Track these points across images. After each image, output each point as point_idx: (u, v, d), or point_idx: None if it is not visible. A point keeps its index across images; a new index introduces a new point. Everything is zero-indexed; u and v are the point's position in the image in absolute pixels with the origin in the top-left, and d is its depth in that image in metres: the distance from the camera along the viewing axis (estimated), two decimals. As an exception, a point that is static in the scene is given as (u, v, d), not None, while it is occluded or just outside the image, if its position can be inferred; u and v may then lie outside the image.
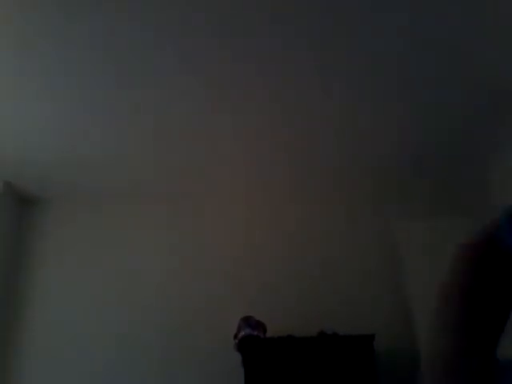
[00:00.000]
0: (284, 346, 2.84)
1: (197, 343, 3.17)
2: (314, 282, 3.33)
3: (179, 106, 2.80)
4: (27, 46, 2.32)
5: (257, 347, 2.81)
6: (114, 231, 3.57)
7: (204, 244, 3.49)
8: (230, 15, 2.21)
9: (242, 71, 2.57)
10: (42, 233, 3.55)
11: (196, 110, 2.84)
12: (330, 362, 2.76)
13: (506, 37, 2.37)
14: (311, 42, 2.39)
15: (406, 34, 2.35)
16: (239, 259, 3.41)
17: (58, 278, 3.40)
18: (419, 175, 3.60)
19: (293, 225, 3.55)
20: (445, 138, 3.19)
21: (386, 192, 3.60)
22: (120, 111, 2.82)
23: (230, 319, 3.00)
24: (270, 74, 2.59)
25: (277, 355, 2.80)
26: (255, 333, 2.81)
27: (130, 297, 3.32)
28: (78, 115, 2.83)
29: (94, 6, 2.13)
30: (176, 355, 3.15)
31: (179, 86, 2.64)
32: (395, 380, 2.90)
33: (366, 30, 2.32)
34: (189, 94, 2.70)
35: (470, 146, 3.20)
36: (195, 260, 3.44)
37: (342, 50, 2.44)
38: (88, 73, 2.51)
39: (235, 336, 2.87)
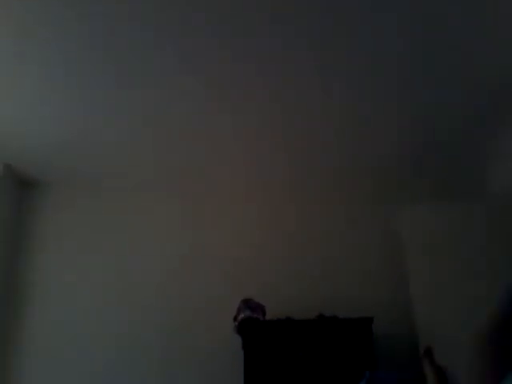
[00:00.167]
0: (283, 329, 2.87)
1: (197, 343, 3.17)
2: (314, 282, 3.33)
3: (179, 105, 2.80)
4: (27, 35, 2.30)
5: (256, 329, 2.85)
6: (115, 233, 3.56)
7: (204, 244, 3.49)
8: (230, 15, 2.21)
9: (241, 71, 2.57)
10: (42, 216, 3.53)
11: (196, 110, 2.84)
12: (329, 345, 2.80)
13: (506, 37, 2.37)
14: (311, 42, 2.39)
15: (405, 34, 2.35)
16: (239, 259, 3.41)
17: (58, 277, 3.39)
18: (419, 175, 3.60)
19: (293, 225, 3.55)
20: (445, 137, 3.19)
21: (386, 192, 3.60)
22: (120, 111, 2.82)
23: (229, 319, 3.00)
24: (270, 73, 2.59)
25: (276, 337, 2.84)
26: (255, 315, 2.83)
27: (130, 297, 3.32)
28: (78, 115, 2.83)
29: (94, 6, 2.13)
30: (176, 355, 3.15)
31: (179, 86, 2.64)
32: (394, 363, 2.91)
33: (365, 29, 2.32)
34: (189, 94, 2.70)
35: (470, 145, 3.20)
36: (195, 260, 3.44)
37: (341, 50, 2.44)
38: (88, 73, 2.51)
39: (235, 318, 2.89)
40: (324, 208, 3.59)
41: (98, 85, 2.60)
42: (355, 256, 3.41)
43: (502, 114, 2.83)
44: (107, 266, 3.43)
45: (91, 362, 3.13)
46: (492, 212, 2.71)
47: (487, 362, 0.92)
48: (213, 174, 3.54)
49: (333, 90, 2.73)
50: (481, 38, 2.38)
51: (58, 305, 3.31)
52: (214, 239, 3.51)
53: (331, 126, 3.06)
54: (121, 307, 3.29)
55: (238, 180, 3.61)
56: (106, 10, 2.15)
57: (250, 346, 2.81)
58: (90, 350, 3.16)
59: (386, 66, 2.56)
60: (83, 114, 2.82)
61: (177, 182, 3.59)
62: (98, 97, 2.69)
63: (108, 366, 3.13)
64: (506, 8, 2.19)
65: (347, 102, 2.83)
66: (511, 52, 2.46)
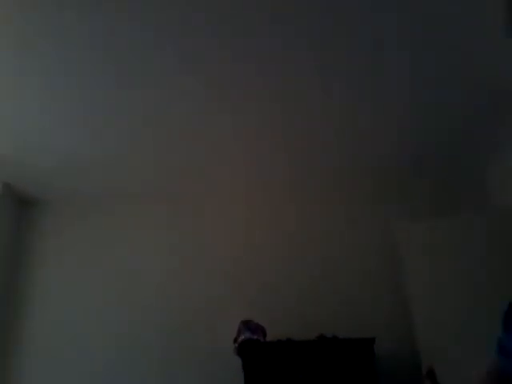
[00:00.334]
0: (284, 350, 2.82)
1: (197, 343, 3.17)
2: (314, 282, 3.33)
3: (179, 105, 2.80)
4: (27, 46, 2.32)
5: (257, 351, 2.80)
6: (114, 231, 3.57)
7: (204, 244, 3.50)
8: (230, 15, 2.21)
9: (241, 71, 2.57)
10: (42, 234, 3.55)
11: (196, 110, 2.84)
12: (330, 366, 2.74)
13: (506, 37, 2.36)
14: (311, 42, 2.38)
15: (405, 34, 2.35)
16: (239, 259, 3.41)
17: (58, 278, 3.40)
18: (419, 175, 3.60)
19: (293, 225, 3.55)
20: (445, 137, 3.19)
21: (386, 192, 3.60)
22: (120, 111, 2.82)
23: (230, 319, 3.00)
24: (270, 73, 2.59)
25: (277, 359, 2.79)
26: (255, 337, 2.81)
27: (130, 297, 3.32)
28: (78, 115, 2.83)
29: (94, 6, 2.13)
30: (176, 355, 3.15)
31: (179, 86, 2.64)
32: (395, 383, 2.90)
33: (365, 29, 2.32)
34: (189, 94, 2.70)
35: (470, 145, 3.20)
36: (195, 260, 3.44)
37: (341, 50, 2.44)
38: (88, 73, 2.51)
39: (235, 340, 2.87)
40: (324, 208, 3.59)
41: (98, 85, 2.60)
42: (355, 256, 3.40)
43: (502, 114, 2.83)
44: (107, 265, 3.44)
45: (91, 362, 3.13)
46: (492, 223, 2.69)
47: None
48: (213, 174, 3.54)
49: (333, 90, 2.73)
50: (481, 38, 2.38)
51: (58, 305, 3.31)
52: (214, 239, 3.51)
53: (331, 126, 3.06)
54: (121, 307, 3.30)
55: (238, 180, 3.61)
56: (106, 10, 2.15)
57: (250, 368, 2.76)
58: (89, 350, 3.16)
59: (385, 66, 2.56)
60: (83, 114, 2.82)
61: (177, 182, 3.59)
62: (97, 97, 2.69)
63: (108, 365, 3.13)
64: (506, 8, 2.19)
65: (347, 101, 2.83)
66: (511, 52, 2.46)
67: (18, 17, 2.16)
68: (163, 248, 3.48)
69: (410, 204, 3.50)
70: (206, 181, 3.60)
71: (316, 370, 2.74)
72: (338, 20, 2.26)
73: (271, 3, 2.15)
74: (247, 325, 2.88)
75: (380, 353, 2.86)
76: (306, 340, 2.87)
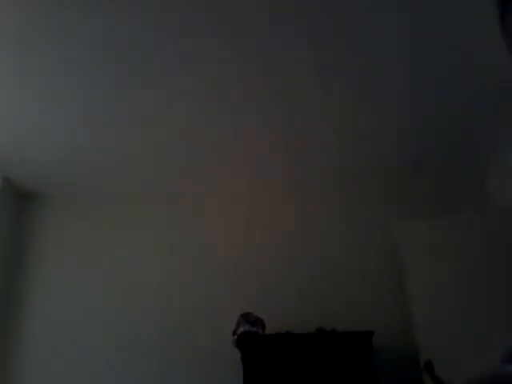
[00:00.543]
0: (283, 343, 2.84)
1: (197, 343, 3.17)
2: (314, 282, 3.33)
3: (179, 105, 2.80)
4: (27, 46, 2.32)
5: (255, 343, 2.82)
6: (114, 231, 3.57)
7: (204, 244, 3.50)
8: (230, 15, 2.21)
9: (242, 71, 2.57)
10: (42, 228, 3.55)
11: (196, 110, 2.84)
12: (329, 359, 2.76)
13: (506, 37, 2.36)
14: (311, 42, 2.38)
15: (405, 34, 2.35)
16: (239, 259, 3.41)
17: (58, 278, 3.40)
18: (419, 175, 3.60)
19: (293, 225, 3.55)
20: (445, 138, 3.19)
21: (386, 192, 3.60)
22: (120, 111, 2.82)
23: (230, 319, 3.00)
24: (270, 74, 2.59)
25: (275, 351, 2.80)
26: (254, 329, 2.82)
27: (130, 297, 3.32)
28: (78, 115, 2.83)
29: (94, 6, 2.13)
30: (176, 355, 3.15)
31: (179, 86, 2.64)
32: (394, 376, 2.91)
33: (365, 29, 2.32)
34: (189, 94, 2.70)
35: (470, 145, 3.20)
36: (195, 260, 3.44)
37: (341, 50, 2.44)
38: (88, 73, 2.51)
39: (234, 332, 2.87)
40: (324, 208, 3.59)
41: (98, 85, 2.60)
42: (355, 256, 3.41)
43: (502, 114, 2.83)
44: (107, 265, 3.43)
45: (91, 362, 3.13)
46: (492, 223, 2.69)
47: None
48: (213, 174, 3.54)
49: (333, 90, 2.73)
50: (481, 38, 2.38)
51: (58, 305, 3.31)
52: (214, 239, 3.51)
53: (331, 126, 3.06)
54: (121, 307, 3.30)
55: (238, 180, 3.61)
56: (106, 10, 2.15)
57: (249, 360, 2.77)
58: (89, 350, 3.16)
59: (385, 66, 2.56)
60: (83, 114, 2.82)
61: (177, 182, 3.59)
62: (97, 97, 2.69)
63: (108, 365, 3.13)
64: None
65: (347, 101, 2.83)
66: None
67: (18, 17, 2.16)
68: (163, 248, 3.48)
69: (410, 204, 3.50)
70: (206, 181, 3.60)
71: (315, 362, 2.76)
72: (337, 20, 2.26)
73: (271, 3, 2.16)
74: (246, 317, 2.89)
75: (378, 346, 2.87)
76: (304, 333, 2.89)
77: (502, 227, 2.67)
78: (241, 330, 2.81)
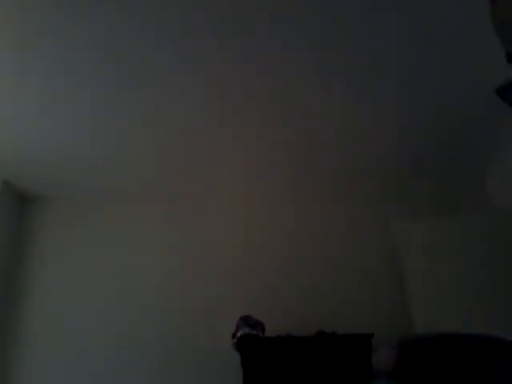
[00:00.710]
0: (282, 346, 2.83)
1: (197, 343, 3.17)
2: (314, 282, 3.33)
3: (179, 105, 2.80)
4: (27, 46, 2.32)
5: (255, 346, 2.81)
6: (114, 231, 3.57)
7: (204, 244, 3.50)
8: (230, 15, 2.21)
9: (242, 71, 2.56)
10: (42, 228, 3.55)
11: (196, 110, 2.84)
12: (329, 362, 2.76)
13: (506, 37, 2.36)
14: (311, 42, 2.38)
15: (405, 34, 2.35)
16: (239, 259, 3.41)
17: (58, 278, 3.40)
18: (419, 175, 3.60)
19: (293, 225, 3.55)
20: (445, 138, 3.19)
21: (386, 192, 3.60)
22: (120, 111, 2.82)
23: (229, 319, 3.00)
24: (270, 74, 2.59)
25: (275, 354, 2.80)
26: (254, 332, 2.81)
27: (130, 297, 3.32)
28: (78, 115, 2.83)
29: (94, 6, 2.13)
30: (176, 355, 3.15)
31: (179, 86, 2.64)
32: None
33: (365, 29, 2.31)
34: (189, 94, 2.70)
35: (470, 145, 3.20)
36: (195, 260, 3.44)
37: (341, 50, 2.44)
38: (88, 73, 2.51)
39: (233, 335, 2.87)
40: (324, 208, 3.59)
41: (98, 85, 2.60)
42: (355, 256, 3.41)
43: (502, 114, 2.83)
44: (107, 265, 3.43)
45: (91, 362, 3.13)
46: (492, 223, 2.69)
47: None
48: (213, 174, 3.54)
49: (333, 90, 2.73)
50: (481, 38, 2.38)
51: (58, 305, 3.31)
52: (214, 239, 3.51)
53: (331, 126, 3.06)
54: (121, 307, 3.30)
55: (238, 180, 3.61)
56: (106, 10, 2.15)
57: (248, 363, 2.77)
58: (89, 350, 3.16)
59: (386, 66, 2.56)
60: (83, 114, 2.82)
61: (177, 182, 3.59)
62: (97, 97, 2.69)
63: (108, 365, 3.13)
64: (506, 8, 2.19)
65: (347, 101, 2.83)
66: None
67: (18, 17, 2.16)
68: (163, 248, 3.48)
69: (410, 204, 3.51)
70: (206, 181, 3.60)
71: (315, 365, 2.75)
72: (337, 20, 2.26)
73: (271, 3, 2.15)
74: (246, 320, 2.88)
75: (378, 348, 2.86)
76: (304, 336, 2.88)
77: (502, 227, 2.67)
78: (240, 332, 2.81)
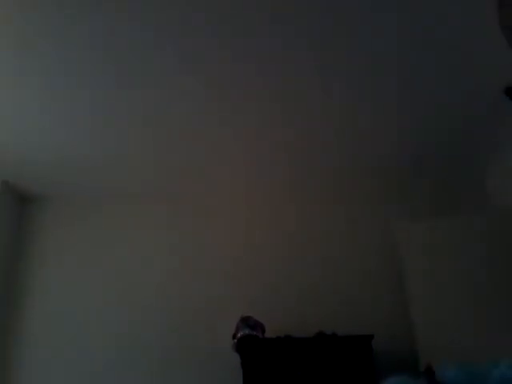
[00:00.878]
0: (282, 347, 2.83)
1: (197, 343, 3.17)
2: (314, 282, 3.33)
3: (179, 105, 2.80)
4: (27, 46, 2.32)
5: (255, 347, 2.80)
6: (114, 231, 3.57)
7: (204, 244, 3.49)
8: (230, 15, 2.21)
9: (241, 71, 2.57)
10: (42, 228, 3.55)
11: (196, 110, 2.84)
12: (329, 363, 2.74)
13: (506, 37, 2.36)
14: (311, 42, 2.38)
15: (405, 34, 2.35)
16: (239, 259, 3.41)
17: (58, 278, 3.40)
18: (419, 175, 3.60)
19: (293, 225, 3.55)
20: (445, 138, 3.19)
21: (386, 192, 3.60)
22: (120, 111, 2.82)
23: (230, 319, 3.00)
24: (270, 74, 2.59)
25: (275, 355, 2.79)
26: (254, 333, 2.81)
27: (130, 297, 3.32)
28: (78, 115, 2.83)
29: (94, 6, 2.13)
30: (176, 355, 3.15)
31: (179, 86, 2.64)
32: None
33: (365, 29, 2.32)
34: (189, 94, 2.70)
35: (470, 145, 3.20)
36: (195, 260, 3.44)
37: (341, 50, 2.44)
38: (88, 73, 2.51)
39: (234, 336, 2.87)
40: (324, 208, 3.59)
41: (98, 85, 2.60)
42: (355, 256, 3.40)
43: (502, 114, 2.83)
44: (107, 265, 3.43)
45: (91, 362, 3.13)
46: (492, 223, 2.69)
47: None
48: (213, 174, 3.54)
49: (333, 90, 2.73)
50: (481, 38, 2.38)
51: (58, 305, 3.31)
52: (214, 239, 3.51)
53: (331, 126, 3.06)
54: (121, 307, 3.29)
55: (238, 180, 3.61)
56: (106, 10, 2.15)
57: (248, 364, 2.75)
58: (89, 350, 3.16)
59: (386, 66, 2.56)
60: (83, 114, 2.82)
61: (177, 182, 3.59)
62: (97, 97, 2.69)
63: (108, 365, 3.13)
64: (506, 8, 2.19)
65: (347, 101, 2.83)
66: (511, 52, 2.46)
67: (18, 17, 2.16)
68: (163, 248, 3.48)
69: (410, 204, 3.50)
70: (206, 181, 3.60)
71: (315, 366, 2.74)
72: (337, 20, 2.26)
73: (271, 3, 2.15)
74: (246, 321, 2.88)
75: (378, 350, 2.86)
76: (304, 337, 2.87)
77: (502, 227, 2.67)
78: (240, 333, 2.80)
